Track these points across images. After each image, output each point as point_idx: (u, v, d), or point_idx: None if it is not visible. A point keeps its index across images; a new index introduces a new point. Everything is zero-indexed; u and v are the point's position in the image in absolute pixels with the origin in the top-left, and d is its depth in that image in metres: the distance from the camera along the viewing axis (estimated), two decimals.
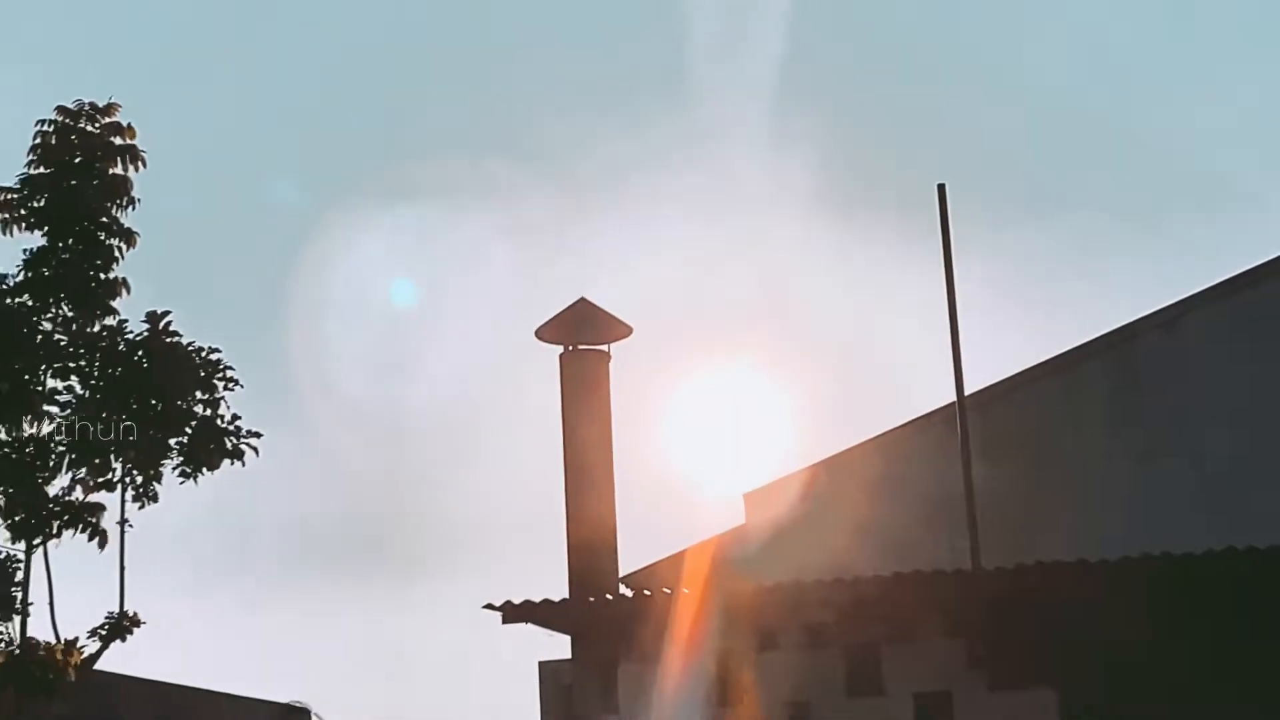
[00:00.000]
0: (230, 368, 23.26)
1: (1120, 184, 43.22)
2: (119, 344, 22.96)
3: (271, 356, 44.58)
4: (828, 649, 15.15)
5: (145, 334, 23.10)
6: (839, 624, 15.13)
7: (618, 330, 17.51)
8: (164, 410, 22.90)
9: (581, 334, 17.43)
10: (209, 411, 23.18)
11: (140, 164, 23.15)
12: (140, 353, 22.94)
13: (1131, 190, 43.81)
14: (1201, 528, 15.85)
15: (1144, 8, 43.84)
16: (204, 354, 23.22)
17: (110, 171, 22.88)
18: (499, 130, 43.56)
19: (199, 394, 23.17)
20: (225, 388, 23.25)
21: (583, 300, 17.52)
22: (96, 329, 22.87)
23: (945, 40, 43.72)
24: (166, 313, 23.19)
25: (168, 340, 23.15)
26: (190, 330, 23.35)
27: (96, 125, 22.96)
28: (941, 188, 17.20)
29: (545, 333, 17.49)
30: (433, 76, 46.27)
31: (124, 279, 22.86)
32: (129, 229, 22.89)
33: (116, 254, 22.80)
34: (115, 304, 22.77)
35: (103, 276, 22.66)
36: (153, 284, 24.21)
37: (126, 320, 23.06)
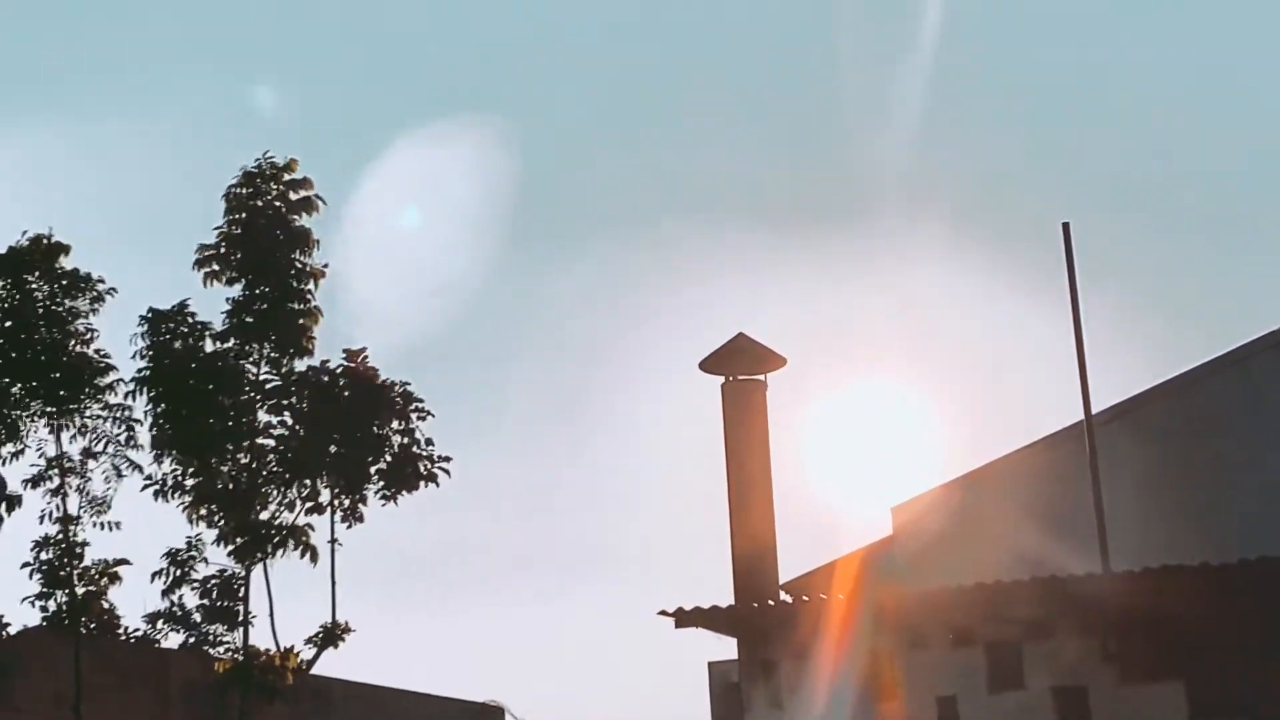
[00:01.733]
0: (421, 400, 23.59)
1: (1234, 215, 42.72)
2: (324, 380, 23.36)
3: (476, 398, 45.35)
4: (971, 648, 15.05)
5: (343, 369, 23.48)
6: (981, 625, 15.03)
7: (773, 361, 17.39)
8: (364, 439, 23.24)
9: (740, 365, 17.33)
10: (405, 439, 23.52)
11: (317, 210, 23.53)
12: (342, 387, 23.34)
13: (1245, 222, 43.26)
14: None
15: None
16: (397, 386, 23.57)
17: (295, 224, 23.30)
18: (667, 186, 43.88)
19: (395, 423, 23.50)
20: (418, 417, 23.58)
21: (741, 335, 17.44)
22: (303, 367, 23.31)
23: (1074, 85, 43.45)
24: (363, 349, 23.58)
25: (364, 374, 23.54)
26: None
27: (279, 184, 23.36)
28: (1066, 226, 17.00)
29: (708, 365, 17.43)
30: (607, 142, 46.68)
31: (316, 308, 23.27)
32: (317, 268, 23.28)
33: (308, 295, 23.21)
34: (312, 336, 23.19)
35: (299, 320, 23.09)
36: None
37: (329, 360, 23.48)
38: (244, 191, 23.26)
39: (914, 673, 15.21)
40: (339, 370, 23.44)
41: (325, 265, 23.34)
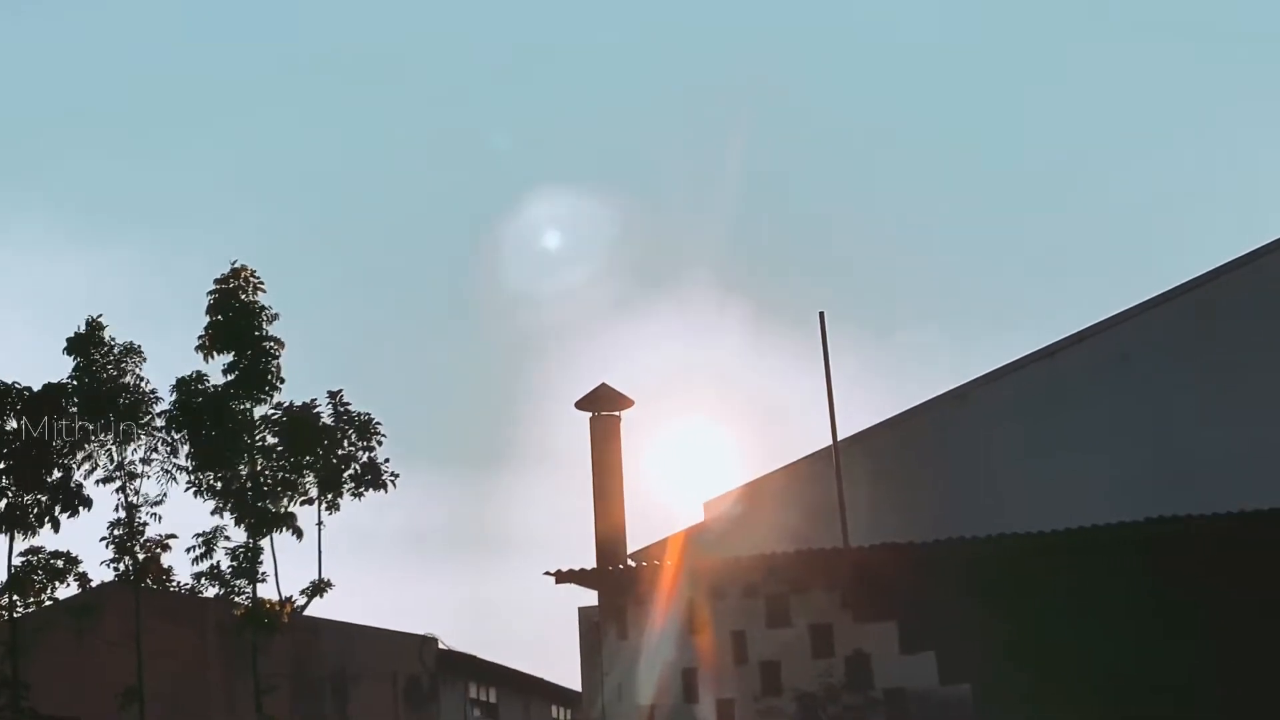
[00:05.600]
0: (379, 423, 23.83)
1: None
2: (309, 413, 23.54)
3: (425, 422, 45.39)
4: (755, 597, 15.16)
5: (327, 404, 23.68)
6: (762, 582, 15.17)
7: (625, 402, 17.40)
8: (339, 455, 23.45)
9: (602, 405, 17.34)
10: (368, 456, 23.72)
11: (262, 290, 23.62)
12: (318, 416, 23.55)
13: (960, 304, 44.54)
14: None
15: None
16: (362, 417, 23.77)
17: (255, 305, 23.45)
18: (545, 276, 44.34)
19: (361, 443, 23.70)
20: (376, 441, 23.80)
21: (603, 384, 17.48)
22: (299, 403, 23.45)
23: (847, 204, 44.65)
24: (339, 390, 23.79)
25: (341, 409, 23.73)
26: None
27: (238, 280, 23.52)
28: (821, 314, 17.36)
29: (580, 405, 17.45)
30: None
31: (279, 365, 23.36)
32: (277, 337, 23.46)
33: (274, 353, 23.34)
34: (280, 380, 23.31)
35: (270, 371, 23.25)
36: None
37: (316, 399, 23.65)
38: (222, 288, 23.39)
39: (717, 615, 15.29)
40: (321, 405, 23.66)
41: (281, 340, 23.50)
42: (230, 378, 23.13)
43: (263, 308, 23.35)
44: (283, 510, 22.79)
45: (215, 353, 23.10)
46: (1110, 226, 45.40)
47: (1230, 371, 17.93)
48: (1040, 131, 47.77)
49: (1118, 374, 18.30)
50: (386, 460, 23.57)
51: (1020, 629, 14.28)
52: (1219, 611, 13.78)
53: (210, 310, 23.22)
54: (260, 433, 23.12)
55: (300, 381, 24.42)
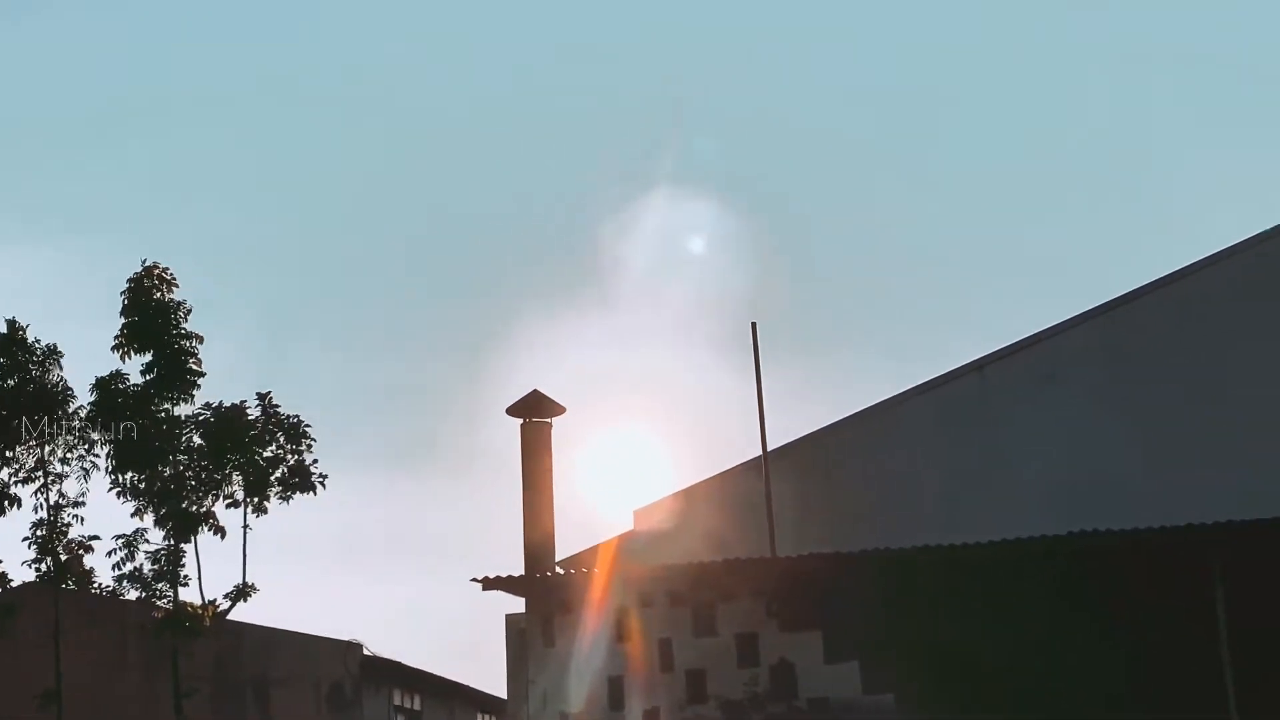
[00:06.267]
0: (309, 426, 23.68)
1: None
2: (240, 414, 23.33)
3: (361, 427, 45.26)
4: (682, 606, 15.17)
5: (256, 405, 23.49)
6: (690, 590, 15.20)
7: (557, 409, 17.41)
8: (266, 457, 23.27)
9: (534, 411, 17.34)
10: (296, 459, 23.53)
11: (175, 287, 23.33)
12: (247, 415, 23.37)
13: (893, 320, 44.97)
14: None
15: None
16: (291, 419, 23.59)
17: (170, 301, 23.23)
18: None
19: (290, 445, 23.50)
20: (306, 444, 23.62)
21: (535, 390, 17.50)
22: (228, 404, 23.23)
23: (777, 215, 44.83)
24: (268, 392, 23.62)
25: (270, 410, 23.55)
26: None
27: (152, 278, 23.30)
28: (754, 325, 17.42)
29: (512, 410, 17.47)
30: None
31: (199, 361, 23.08)
32: (195, 332, 23.23)
33: (194, 350, 23.13)
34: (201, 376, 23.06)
35: (191, 368, 23.03)
36: None
37: (245, 400, 23.44)
38: (135, 286, 23.13)
39: (645, 623, 15.25)
40: (251, 407, 23.46)
41: (200, 335, 23.27)
42: (149, 377, 22.87)
43: (178, 304, 23.12)
44: (203, 509, 22.56)
45: (132, 352, 22.83)
46: (1063, 238, 46.06)
47: (1150, 389, 18.20)
48: (1000, 141, 48.37)
49: (1043, 389, 18.53)
50: (315, 462, 23.42)
51: (944, 639, 14.43)
52: (1141, 622, 14.01)
53: (125, 311, 22.95)
54: (186, 433, 22.88)
55: (247, 382, 24.15)
